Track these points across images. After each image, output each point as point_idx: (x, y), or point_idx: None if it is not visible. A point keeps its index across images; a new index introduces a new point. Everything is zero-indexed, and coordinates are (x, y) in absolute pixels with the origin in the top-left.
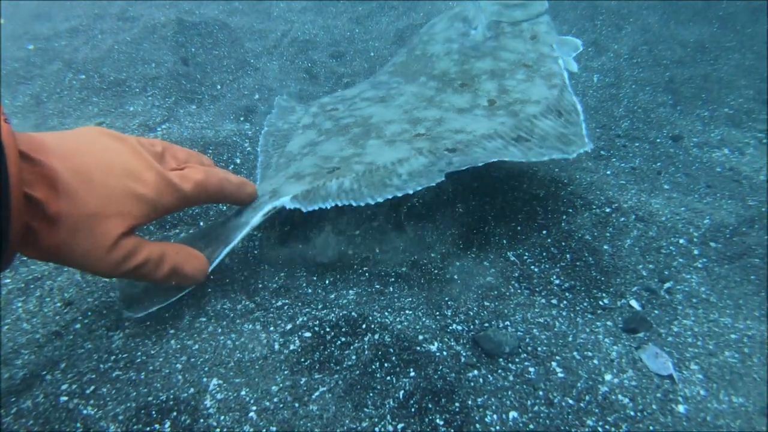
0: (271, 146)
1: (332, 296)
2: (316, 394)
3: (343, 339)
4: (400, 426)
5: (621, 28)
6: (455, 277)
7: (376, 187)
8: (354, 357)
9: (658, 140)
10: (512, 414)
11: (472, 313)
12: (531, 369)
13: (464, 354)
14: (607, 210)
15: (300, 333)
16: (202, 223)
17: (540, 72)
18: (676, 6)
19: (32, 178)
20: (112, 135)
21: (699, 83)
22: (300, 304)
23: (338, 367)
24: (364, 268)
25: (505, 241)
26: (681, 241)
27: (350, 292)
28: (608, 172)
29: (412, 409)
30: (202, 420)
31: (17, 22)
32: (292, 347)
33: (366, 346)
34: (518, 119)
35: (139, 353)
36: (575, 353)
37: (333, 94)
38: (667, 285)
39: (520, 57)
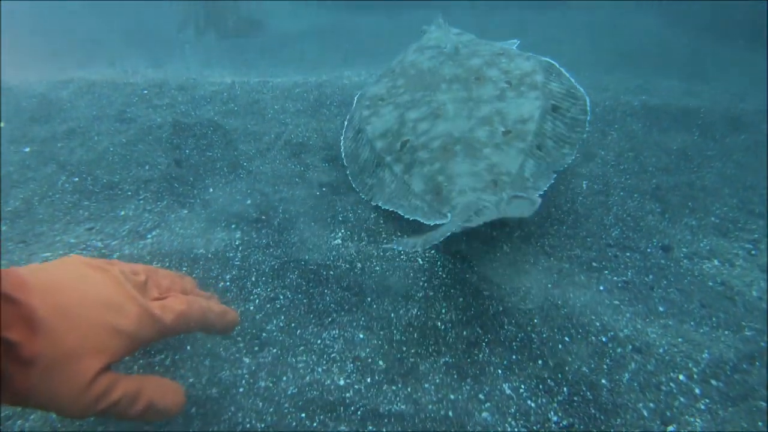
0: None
1: None
2: None
3: None
4: None
5: (606, 134)
6: (450, 414)
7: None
8: None
9: (649, 250)
10: None
11: None
12: None
13: None
14: (603, 339)
15: None
16: (189, 347)
17: (512, 53)
18: (657, 113)
19: (10, 319)
20: (94, 266)
21: (685, 191)
22: None
23: None
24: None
25: (500, 372)
26: (681, 377)
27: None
28: (601, 288)
29: None
30: None
31: (16, 124)
32: None
33: None
34: (540, 90)
35: None
36: None
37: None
38: (670, 429)
39: (492, 50)
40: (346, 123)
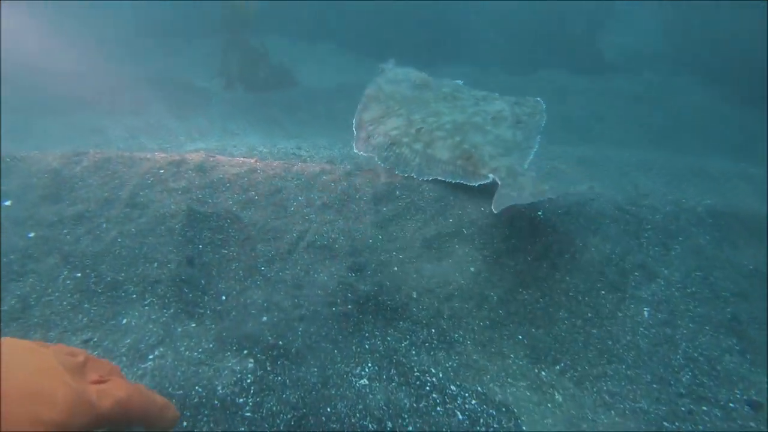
0: None
1: None
2: None
3: None
4: None
5: (669, 248)
6: None
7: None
8: None
9: (731, 405)
10: None
11: None
12: None
13: None
14: None
15: None
16: None
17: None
18: (726, 222)
19: None
20: (26, 347)
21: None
22: None
23: None
24: None
25: None
26: None
27: None
28: None
29: None
30: None
31: (24, 204)
32: None
33: None
34: (501, 98)
35: None
36: None
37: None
38: None
39: (453, 83)
40: (355, 142)
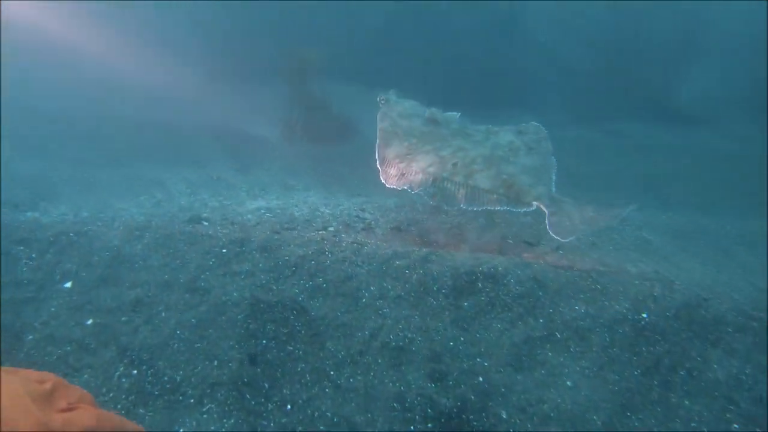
0: None
1: None
2: None
3: None
4: None
5: None
6: None
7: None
8: None
9: None
10: None
11: None
12: None
13: None
14: None
15: None
16: None
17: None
18: None
19: None
20: None
21: None
22: None
23: None
24: None
25: None
26: None
27: None
28: None
29: None
30: None
31: (84, 286)
32: None
33: None
34: (507, 128)
35: None
36: None
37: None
38: None
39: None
40: (384, 177)
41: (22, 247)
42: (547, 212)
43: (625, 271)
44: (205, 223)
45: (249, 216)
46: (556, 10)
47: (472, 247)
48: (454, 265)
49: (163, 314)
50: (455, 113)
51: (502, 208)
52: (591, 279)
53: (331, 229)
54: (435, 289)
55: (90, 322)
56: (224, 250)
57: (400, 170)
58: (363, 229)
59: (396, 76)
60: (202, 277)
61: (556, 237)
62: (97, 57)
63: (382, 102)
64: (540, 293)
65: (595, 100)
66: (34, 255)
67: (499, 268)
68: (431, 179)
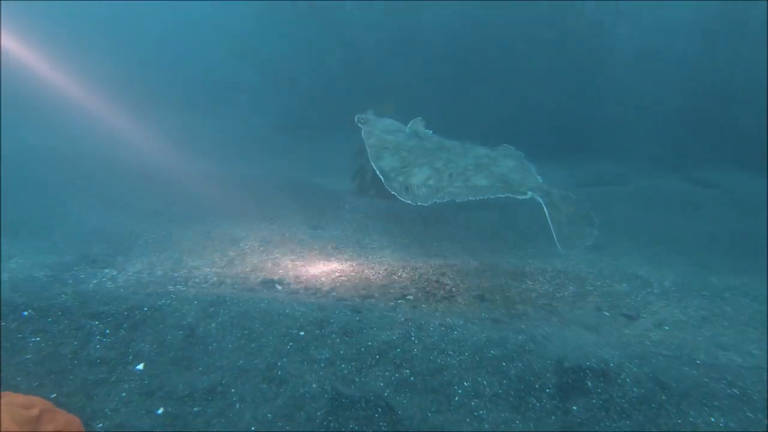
0: None
1: None
2: None
3: None
4: None
5: None
6: None
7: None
8: None
9: None
10: None
11: None
12: None
13: None
14: None
15: None
16: None
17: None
18: None
19: None
20: None
21: None
22: None
23: None
24: None
25: None
26: None
27: None
28: None
29: None
30: None
31: (156, 369)
32: None
33: None
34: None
35: None
36: None
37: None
38: None
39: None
40: (389, 188)
41: (96, 322)
42: (542, 201)
43: (761, 368)
44: (279, 287)
45: (323, 279)
46: (640, 50)
47: (565, 321)
48: (558, 357)
49: (238, 406)
50: (429, 130)
51: (503, 195)
52: (725, 382)
53: (410, 297)
54: (537, 387)
55: (161, 411)
56: (302, 333)
57: (402, 184)
58: (444, 298)
59: (469, 123)
60: (279, 364)
61: (561, 245)
62: (169, 109)
63: (362, 122)
64: (663, 397)
65: (684, 145)
66: (107, 331)
67: (611, 364)
68: (434, 191)
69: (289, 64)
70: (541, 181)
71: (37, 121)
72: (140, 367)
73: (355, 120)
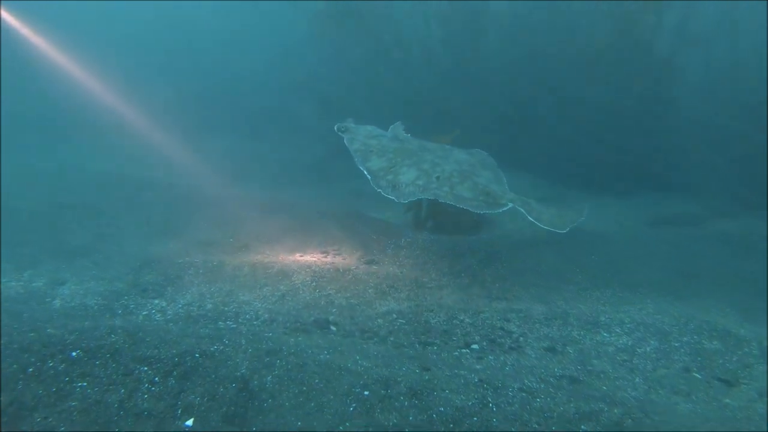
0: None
1: None
2: None
3: None
4: None
5: None
6: None
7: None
8: None
9: None
10: None
11: None
12: None
13: None
14: None
15: None
16: None
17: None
18: None
19: None
20: None
21: None
22: None
23: None
24: None
25: None
26: None
27: None
28: None
29: None
30: None
31: (206, 425)
32: None
33: None
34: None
35: None
36: None
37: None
38: None
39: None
40: (377, 186)
41: (145, 368)
42: (524, 210)
43: None
44: (333, 328)
45: (379, 321)
46: (709, 78)
47: (650, 383)
48: None
49: None
50: (407, 134)
51: (481, 212)
52: None
53: (475, 346)
54: None
55: None
56: (366, 392)
57: (390, 183)
58: (512, 348)
59: (528, 155)
60: (342, 429)
61: (546, 227)
62: (224, 135)
63: (343, 130)
64: None
65: (762, 181)
66: (156, 379)
67: None
68: (421, 190)
69: (345, 93)
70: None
71: (96, 144)
72: (190, 423)
73: (335, 129)
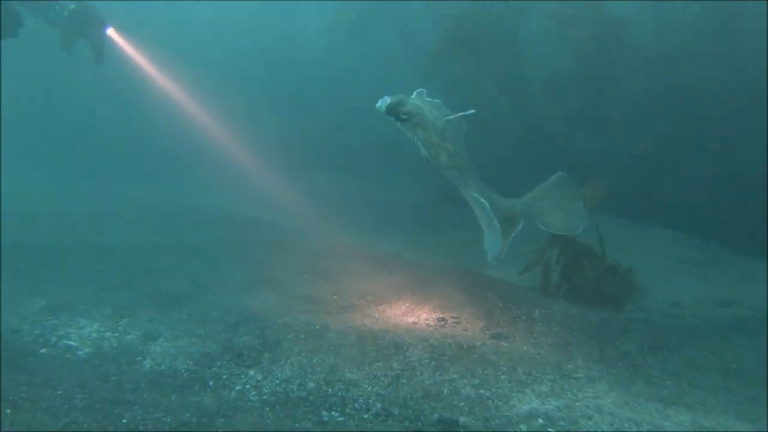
0: None
1: None
2: None
3: None
4: None
5: None
6: None
7: None
8: None
9: None
10: None
11: None
12: None
13: None
14: None
15: None
16: None
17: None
18: None
19: None
20: None
21: None
22: None
23: None
24: None
25: None
26: None
27: None
28: None
29: None
30: None
31: None
32: None
33: None
34: None
35: None
36: None
37: None
38: None
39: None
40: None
41: None
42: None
43: None
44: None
45: (522, 427)
46: None
47: None
48: None
49: None
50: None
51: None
52: None
53: None
54: None
55: None
56: None
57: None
58: None
59: (673, 207)
60: None
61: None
62: (323, 171)
63: (405, 115)
64: None
65: None
66: None
67: None
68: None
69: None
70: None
71: (194, 179)
72: None
73: (397, 113)
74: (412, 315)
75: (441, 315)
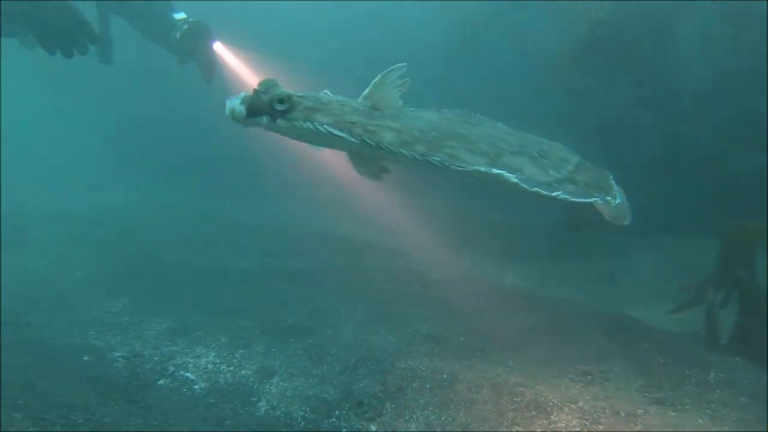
0: None
1: None
2: None
3: None
4: None
5: None
6: None
7: None
8: None
9: None
10: None
11: None
12: None
13: None
14: None
15: None
16: None
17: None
18: None
19: None
20: None
21: None
22: None
23: None
24: None
25: None
26: None
27: None
28: None
29: None
30: None
31: None
32: None
33: None
34: None
35: None
36: None
37: None
38: None
39: None
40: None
41: None
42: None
43: None
44: None
45: None
46: None
47: None
48: None
49: None
50: None
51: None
52: None
53: None
54: None
55: None
56: None
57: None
58: None
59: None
60: None
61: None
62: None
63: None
64: None
65: None
66: None
67: None
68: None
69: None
70: None
71: (309, 200)
72: None
73: (269, 105)
74: (552, 365)
75: (586, 367)
